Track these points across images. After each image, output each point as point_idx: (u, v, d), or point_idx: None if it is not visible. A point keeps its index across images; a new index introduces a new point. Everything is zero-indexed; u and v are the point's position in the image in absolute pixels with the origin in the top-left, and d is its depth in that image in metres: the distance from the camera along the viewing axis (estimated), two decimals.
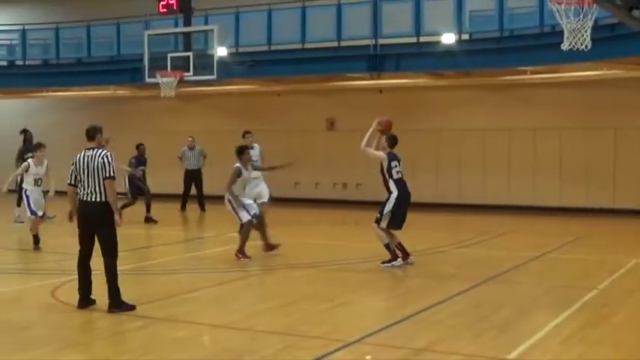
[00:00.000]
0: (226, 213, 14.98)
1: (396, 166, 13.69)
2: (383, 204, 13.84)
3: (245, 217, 14.61)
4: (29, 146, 19.78)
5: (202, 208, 24.51)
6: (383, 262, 13.78)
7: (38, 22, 29.54)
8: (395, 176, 13.69)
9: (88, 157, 10.26)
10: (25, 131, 21.78)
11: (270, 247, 15.11)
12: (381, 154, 13.85)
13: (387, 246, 13.84)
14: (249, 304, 11.14)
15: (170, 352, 8.46)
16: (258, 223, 14.90)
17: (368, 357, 8.45)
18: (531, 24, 21.07)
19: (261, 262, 14.68)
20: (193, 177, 24.97)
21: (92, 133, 10.52)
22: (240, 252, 14.61)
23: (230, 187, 14.53)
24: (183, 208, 24.81)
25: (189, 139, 25.05)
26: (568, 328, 9.42)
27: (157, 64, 23.26)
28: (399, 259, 13.76)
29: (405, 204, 13.83)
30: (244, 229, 14.71)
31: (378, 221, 13.75)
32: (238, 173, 14.64)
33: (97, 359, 8.19)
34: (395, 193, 13.71)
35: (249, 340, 8.96)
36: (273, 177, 27.58)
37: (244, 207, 14.63)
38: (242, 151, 14.94)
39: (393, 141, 13.95)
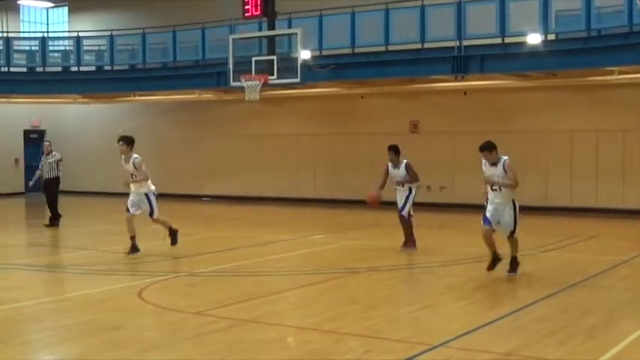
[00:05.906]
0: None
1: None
2: None
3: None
4: None
5: (54, 220, 21.79)
6: None
7: (125, 28, 30.15)
8: None
9: None
10: None
11: None
12: None
13: None
14: (333, 307, 11.13)
15: (254, 354, 8.51)
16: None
17: None
18: (619, 23, 20.69)
19: (343, 265, 14.70)
20: (48, 186, 21.96)
21: None
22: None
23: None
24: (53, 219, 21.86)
25: (46, 143, 22.77)
26: None
27: (241, 68, 23.40)
28: None
29: None
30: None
31: None
32: None
33: None
34: None
35: (333, 342, 8.96)
36: (352, 178, 27.60)
37: None
38: None
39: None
